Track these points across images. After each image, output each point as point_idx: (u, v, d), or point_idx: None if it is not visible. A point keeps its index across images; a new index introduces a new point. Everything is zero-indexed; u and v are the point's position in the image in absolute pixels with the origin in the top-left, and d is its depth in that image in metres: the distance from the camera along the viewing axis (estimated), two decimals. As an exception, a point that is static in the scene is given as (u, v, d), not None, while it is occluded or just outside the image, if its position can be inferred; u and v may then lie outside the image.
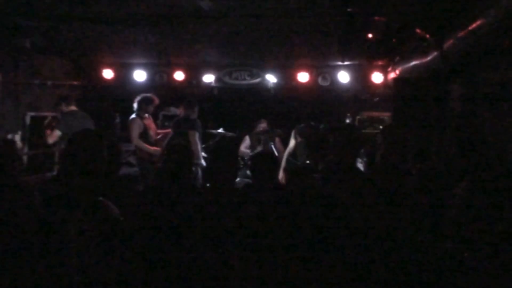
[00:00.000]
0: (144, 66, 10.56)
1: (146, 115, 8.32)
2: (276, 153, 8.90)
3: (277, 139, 9.49)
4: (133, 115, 8.23)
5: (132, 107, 8.36)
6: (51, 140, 7.72)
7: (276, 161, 4.50)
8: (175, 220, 2.91)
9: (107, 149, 3.98)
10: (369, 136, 9.59)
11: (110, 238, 2.48)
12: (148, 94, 8.39)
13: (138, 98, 8.27)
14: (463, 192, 2.05)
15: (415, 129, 6.96)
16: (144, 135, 8.20)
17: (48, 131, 7.75)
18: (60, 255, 2.47)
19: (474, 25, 4.55)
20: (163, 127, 9.62)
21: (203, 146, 8.89)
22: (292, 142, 8.62)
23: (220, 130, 9.49)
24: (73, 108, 7.99)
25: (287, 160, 8.45)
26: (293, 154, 8.56)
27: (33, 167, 8.57)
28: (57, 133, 7.59)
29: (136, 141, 8.14)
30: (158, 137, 8.57)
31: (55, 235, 2.54)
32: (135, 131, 8.13)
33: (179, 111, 8.98)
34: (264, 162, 4.28)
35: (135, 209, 3.29)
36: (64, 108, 7.89)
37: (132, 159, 9.23)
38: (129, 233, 2.67)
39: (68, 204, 2.66)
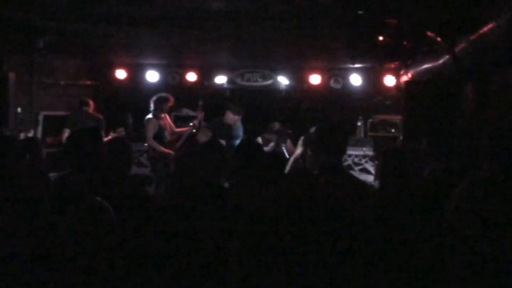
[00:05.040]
0: (156, 66, 10.62)
1: (162, 114, 8.36)
2: (287, 155, 8.90)
3: (288, 141, 9.47)
4: (149, 115, 8.29)
5: (144, 107, 8.42)
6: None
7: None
8: (172, 224, 2.90)
9: (118, 148, 4.01)
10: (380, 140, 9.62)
11: (103, 241, 2.46)
12: (164, 94, 8.46)
13: (154, 98, 8.34)
14: (463, 193, 2.04)
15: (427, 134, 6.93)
16: (159, 135, 8.25)
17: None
18: (52, 258, 2.47)
19: (485, 29, 4.53)
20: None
21: None
22: (299, 149, 8.49)
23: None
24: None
25: (292, 166, 8.33)
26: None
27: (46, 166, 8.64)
28: None
29: (150, 141, 8.19)
30: (175, 135, 8.60)
31: (47, 236, 2.54)
32: (150, 131, 8.18)
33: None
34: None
35: (139, 214, 3.29)
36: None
37: (143, 159, 9.29)
38: (124, 236, 2.65)
39: (61, 204, 2.66)
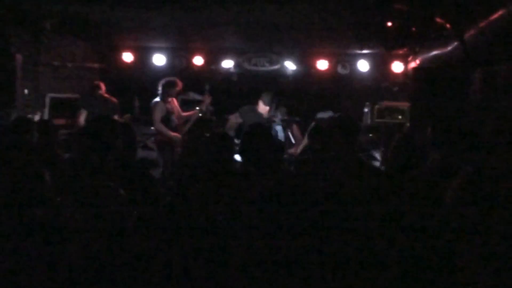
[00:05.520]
0: (163, 50, 10.59)
1: (170, 98, 8.34)
2: (293, 141, 8.88)
3: (294, 127, 9.43)
4: (157, 99, 8.27)
5: (151, 90, 8.41)
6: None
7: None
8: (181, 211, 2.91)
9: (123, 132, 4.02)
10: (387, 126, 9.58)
11: (114, 225, 2.46)
12: (172, 78, 8.43)
13: (162, 81, 8.31)
14: (458, 188, 2.03)
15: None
16: (166, 119, 8.23)
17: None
18: (61, 244, 2.48)
19: (495, 15, 4.49)
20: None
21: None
22: (306, 140, 8.44)
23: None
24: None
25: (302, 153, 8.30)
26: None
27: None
28: None
29: (158, 125, 8.18)
30: (182, 119, 8.58)
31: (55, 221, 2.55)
32: (158, 115, 8.17)
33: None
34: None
35: (144, 197, 3.30)
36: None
37: (150, 143, 9.30)
38: (135, 220, 2.66)
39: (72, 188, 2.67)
